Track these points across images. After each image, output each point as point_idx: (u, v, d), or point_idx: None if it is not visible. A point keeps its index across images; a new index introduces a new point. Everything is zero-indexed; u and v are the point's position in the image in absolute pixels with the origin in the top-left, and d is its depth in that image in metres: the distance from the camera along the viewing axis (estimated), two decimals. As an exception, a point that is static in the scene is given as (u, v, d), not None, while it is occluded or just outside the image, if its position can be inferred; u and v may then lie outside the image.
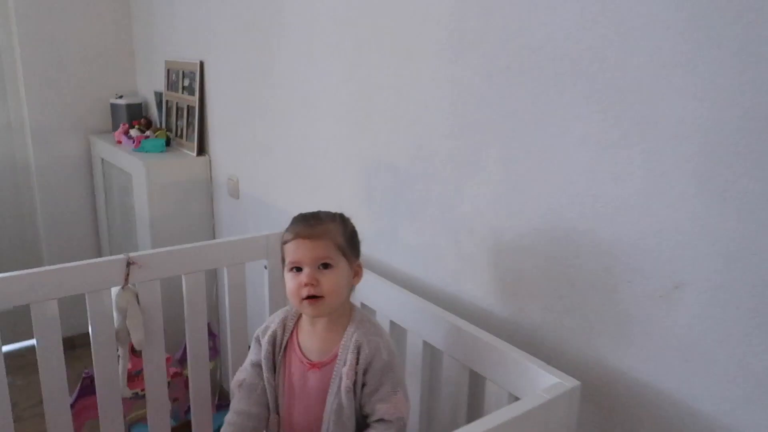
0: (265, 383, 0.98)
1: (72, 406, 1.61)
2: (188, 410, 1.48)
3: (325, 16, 1.38)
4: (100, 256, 2.66)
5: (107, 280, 1.22)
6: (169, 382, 1.69)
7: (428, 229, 1.17)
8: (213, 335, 1.86)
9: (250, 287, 1.43)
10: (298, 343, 0.97)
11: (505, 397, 0.90)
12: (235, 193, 1.96)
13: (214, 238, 2.17)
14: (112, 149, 2.30)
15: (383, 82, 1.23)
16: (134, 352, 1.38)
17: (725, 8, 0.69)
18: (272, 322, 1.01)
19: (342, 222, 0.96)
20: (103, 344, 1.24)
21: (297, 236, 0.92)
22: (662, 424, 0.82)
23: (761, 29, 0.66)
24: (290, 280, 0.92)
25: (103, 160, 2.44)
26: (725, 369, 0.74)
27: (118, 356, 1.33)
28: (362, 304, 1.21)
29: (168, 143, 2.24)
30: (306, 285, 0.90)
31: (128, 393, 1.51)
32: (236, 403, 0.99)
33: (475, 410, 1.01)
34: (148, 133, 2.26)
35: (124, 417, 1.54)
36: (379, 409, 0.89)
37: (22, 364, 2.29)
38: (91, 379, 1.48)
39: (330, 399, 0.92)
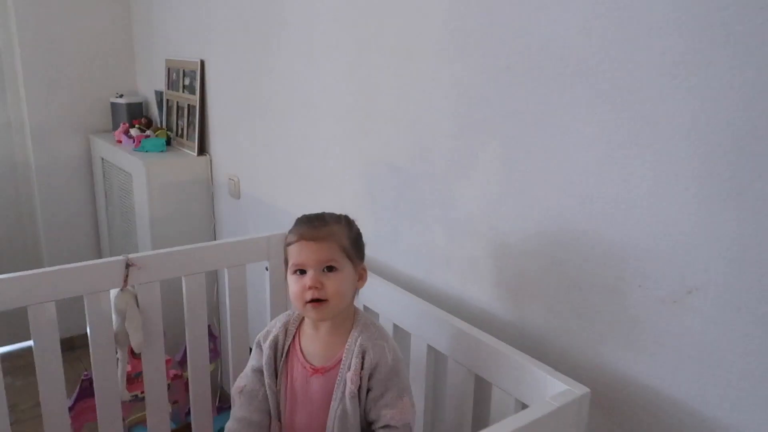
0: (267, 389, 0.95)
1: (71, 408, 1.60)
2: (188, 413, 1.46)
3: (325, 14, 1.37)
4: (100, 256, 2.65)
5: (106, 281, 1.20)
6: (169, 385, 1.67)
7: (431, 231, 1.15)
8: (213, 337, 1.85)
9: (251, 289, 1.42)
10: (301, 348, 0.95)
11: (511, 404, 0.88)
12: (236, 193, 1.94)
13: (214, 238, 2.16)
14: (112, 149, 2.29)
15: (384, 81, 1.21)
16: (134, 354, 1.36)
17: (737, 6, 0.66)
18: (274, 326, 0.99)
19: (347, 224, 0.95)
20: (101, 347, 1.23)
21: (301, 238, 0.90)
22: (674, 432, 0.80)
23: (779, 26, 0.64)
24: (294, 282, 0.90)
25: (103, 159, 2.42)
26: (741, 377, 0.72)
27: (117, 359, 1.32)
28: (365, 307, 1.19)
29: (168, 143, 2.22)
30: (310, 288, 0.88)
31: (127, 396, 1.49)
32: (237, 410, 0.97)
33: (480, 417, 0.99)
34: (148, 132, 2.24)
35: (124, 420, 1.52)
36: (385, 415, 0.87)
37: (22, 364, 2.28)
38: (90, 381, 1.47)
39: (334, 405, 0.90)
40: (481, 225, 1.04)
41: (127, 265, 1.21)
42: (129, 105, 2.45)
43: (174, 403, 1.75)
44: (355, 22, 1.27)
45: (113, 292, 1.23)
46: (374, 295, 1.15)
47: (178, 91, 2.19)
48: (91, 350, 1.22)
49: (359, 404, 0.89)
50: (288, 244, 0.92)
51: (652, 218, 0.78)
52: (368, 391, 0.89)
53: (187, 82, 2.12)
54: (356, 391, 0.88)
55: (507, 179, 0.98)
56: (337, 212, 0.97)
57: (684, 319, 0.77)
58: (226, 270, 1.36)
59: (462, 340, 0.97)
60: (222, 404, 1.88)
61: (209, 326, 1.54)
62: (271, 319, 1.41)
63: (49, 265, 1.16)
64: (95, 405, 1.25)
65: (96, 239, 2.68)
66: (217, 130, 2.03)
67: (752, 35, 0.66)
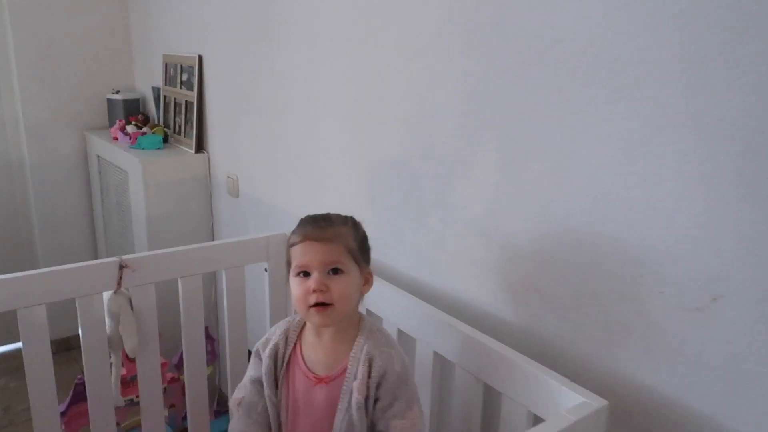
0: (267, 401, 0.91)
1: (65, 412, 1.56)
2: (186, 417, 1.42)
3: (327, 9, 1.33)
4: (96, 256, 2.61)
5: (99, 284, 1.16)
6: (165, 388, 1.64)
7: (436, 232, 1.11)
8: (211, 339, 1.81)
9: (250, 291, 1.38)
10: (302, 357, 0.91)
11: (523, 415, 0.84)
12: (234, 192, 1.90)
13: (212, 238, 2.12)
14: (108, 146, 2.24)
15: (388, 78, 1.17)
16: (129, 358, 1.32)
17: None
18: (273, 334, 0.94)
19: (354, 226, 0.91)
20: (94, 351, 1.18)
21: (306, 238, 0.86)
22: (696, 447, 0.76)
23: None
24: (297, 285, 0.86)
25: (99, 157, 2.38)
26: (769, 390, 0.68)
27: (111, 363, 1.27)
28: (367, 311, 1.15)
29: (165, 140, 2.18)
30: (314, 291, 0.83)
31: (121, 402, 1.45)
32: (235, 423, 0.92)
33: (490, 428, 0.95)
34: (145, 129, 2.20)
35: (119, 424, 1.48)
36: (395, 426, 0.83)
37: (16, 365, 2.24)
38: (84, 385, 1.43)
39: (339, 416, 0.86)
40: (488, 226, 1.00)
41: (121, 267, 1.17)
42: (125, 101, 2.41)
43: (171, 407, 1.71)
44: (357, 18, 1.24)
45: (106, 295, 1.18)
46: (378, 298, 1.11)
47: (175, 87, 2.14)
48: (83, 355, 1.18)
49: (366, 415, 0.85)
50: (291, 245, 0.88)
51: (673, 220, 0.74)
52: (376, 400, 0.85)
53: (184, 77, 2.08)
54: (363, 401, 0.84)
55: (516, 179, 0.94)
56: (341, 213, 0.93)
57: (708, 328, 0.73)
58: (223, 271, 1.32)
59: (470, 347, 0.93)
60: (220, 408, 1.84)
61: (207, 328, 1.50)
62: (270, 321, 1.38)
63: (45, 265, 1.13)
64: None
65: (92, 238, 2.64)
66: (215, 127, 1.99)
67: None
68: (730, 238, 0.69)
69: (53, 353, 1.17)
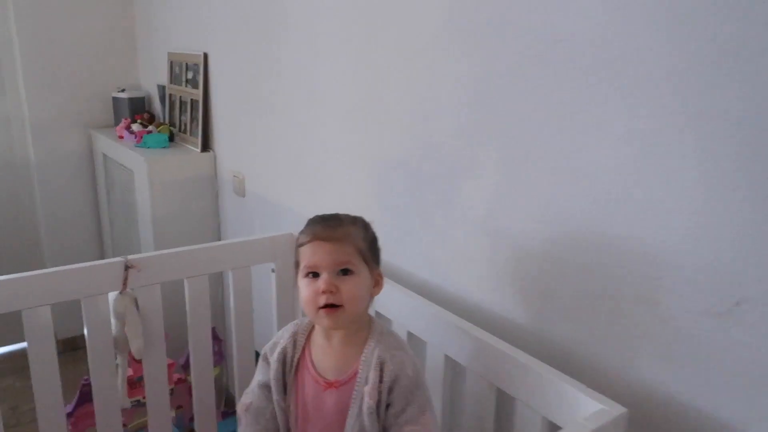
0: (275, 406, 0.89)
1: (72, 413, 1.55)
2: (193, 418, 1.41)
3: (331, 7, 1.31)
4: (103, 256, 2.60)
5: (104, 284, 1.14)
6: (172, 389, 1.62)
7: (446, 233, 1.09)
8: (218, 339, 1.79)
9: (257, 291, 1.36)
10: (312, 360, 0.89)
11: (538, 422, 0.82)
12: (241, 191, 1.88)
13: (219, 237, 2.10)
14: (113, 145, 2.23)
15: (394, 76, 1.15)
16: (135, 358, 1.31)
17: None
18: (281, 337, 0.92)
19: (363, 226, 0.89)
20: (100, 353, 1.17)
21: (315, 238, 0.84)
22: (718, 455, 0.73)
23: None
24: (305, 286, 0.84)
25: (104, 155, 2.37)
26: (796, 397, 0.65)
27: (117, 365, 1.26)
28: (376, 314, 1.13)
29: (171, 138, 2.16)
30: (324, 292, 0.81)
31: (128, 403, 1.44)
32: (244, 429, 0.90)
33: (503, 433, 0.92)
34: (150, 128, 2.18)
35: (125, 426, 1.47)
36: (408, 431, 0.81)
37: (22, 365, 2.23)
38: (90, 386, 1.42)
39: (350, 422, 0.83)
40: (496, 226, 0.98)
41: (126, 267, 1.15)
42: (131, 100, 2.40)
43: (178, 408, 1.70)
44: (360, 16, 1.22)
45: (112, 296, 1.17)
46: (387, 300, 1.09)
47: (180, 85, 2.13)
48: (89, 356, 1.17)
49: (378, 420, 0.83)
50: (300, 245, 0.86)
51: (694, 221, 0.72)
52: (387, 406, 0.83)
53: (190, 75, 2.06)
54: (375, 407, 0.82)
55: (531, 178, 0.91)
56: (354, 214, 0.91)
57: (731, 333, 0.70)
58: (230, 272, 1.31)
59: (482, 351, 0.90)
60: (227, 409, 1.83)
61: (213, 329, 1.48)
62: (277, 322, 1.36)
63: (50, 265, 1.12)
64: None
65: (98, 238, 2.63)
66: (221, 126, 1.97)
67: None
68: (754, 239, 0.67)
69: (59, 353, 1.16)
